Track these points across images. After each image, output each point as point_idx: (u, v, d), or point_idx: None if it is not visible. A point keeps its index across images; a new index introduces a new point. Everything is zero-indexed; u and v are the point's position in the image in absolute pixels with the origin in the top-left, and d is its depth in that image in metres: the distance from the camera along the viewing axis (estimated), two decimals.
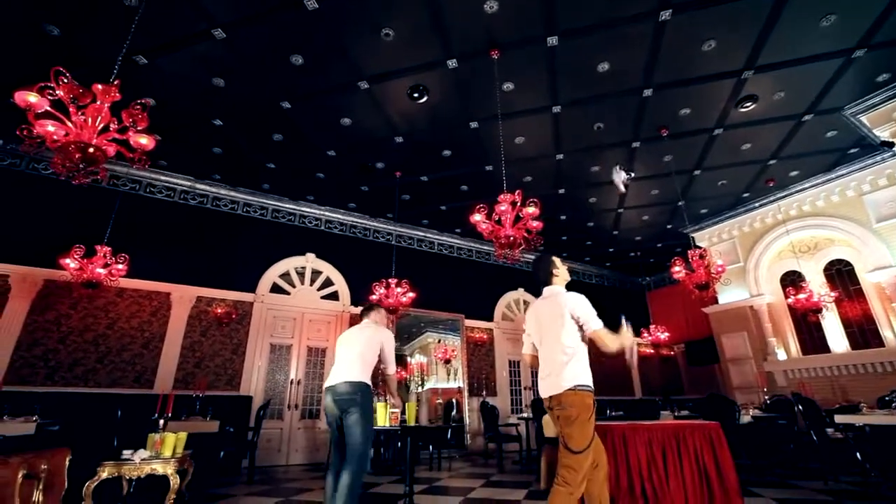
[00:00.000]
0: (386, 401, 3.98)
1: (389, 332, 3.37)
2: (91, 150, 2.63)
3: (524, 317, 2.84)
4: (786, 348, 8.15)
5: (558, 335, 2.48)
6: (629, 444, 3.60)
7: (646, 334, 10.57)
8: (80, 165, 2.63)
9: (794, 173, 7.44)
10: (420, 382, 10.27)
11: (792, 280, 8.09)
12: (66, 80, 2.66)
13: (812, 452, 4.87)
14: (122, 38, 3.96)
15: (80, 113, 2.76)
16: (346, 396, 2.86)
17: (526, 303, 10.14)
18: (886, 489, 4.09)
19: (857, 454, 4.17)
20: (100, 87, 2.78)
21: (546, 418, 4.63)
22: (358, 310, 3.65)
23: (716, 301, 9.13)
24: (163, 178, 6.95)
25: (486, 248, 9.88)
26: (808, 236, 8.05)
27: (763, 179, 7.60)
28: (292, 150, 6.46)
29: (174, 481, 3.35)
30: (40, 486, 2.71)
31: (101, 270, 5.19)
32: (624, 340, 2.48)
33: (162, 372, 6.11)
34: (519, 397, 9.27)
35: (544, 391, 2.49)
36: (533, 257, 9.61)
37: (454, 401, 8.69)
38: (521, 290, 10.19)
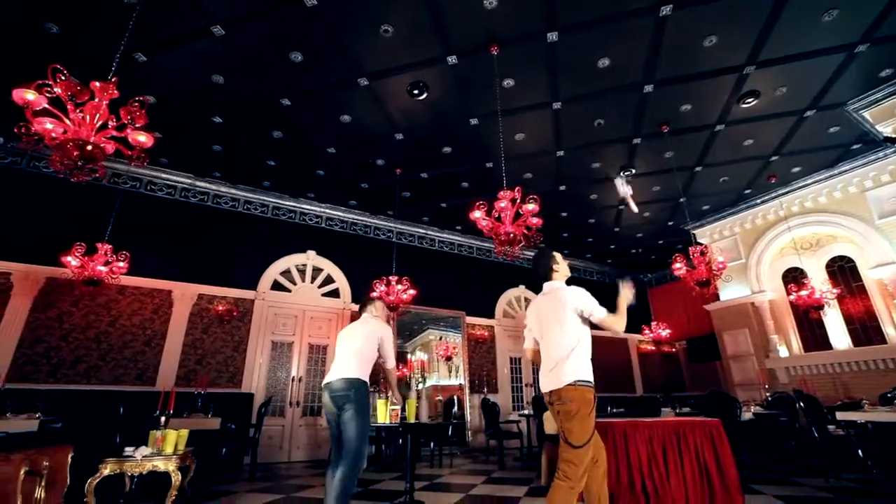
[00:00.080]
0: (387, 397, 3.98)
1: (388, 327, 3.34)
2: (89, 147, 2.63)
3: (525, 314, 2.84)
4: (787, 345, 8.13)
5: (559, 330, 2.49)
6: (630, 440, 3.60)
7: (647, 331, 10.56)
8: (79, 163, 2.63)
9: (796, 169, 7.40)
10: (421, 379, 10.29)
11: (794, 277, 8.07)
12: (63, 78, 2.66)
13: (813, 449, 4.86)
14: (122, 36, 3.95)
15: (78, 110, 2.76)
16: (340, 393, 2.86)
17: (527, 300, 10.13)
18: (888, 486, 4.07)
19: (859, 451, 4.17)
20: (98, 84, 2.78)
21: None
22: (358, 307, 3.66)
23: (717, 298, 9.11)
24: (163, 175, 6.95)
25: (486, 245, 9.87)
26: (810, 233, 8.01)
27: (765, 176, 7.57)
28: (292, 147, 6.45)
29: (175, 478, 3.37)
30: (42, 483, 2.72)
31: (102, 268, 5.20)
32: (624, 305, 2.57)
33: (164, 369, 6.13)
34: (520, 394, 9.28)
35: (545, 386, 2.50)
36: (533, 254, 9.62)
37: (455, 398, 8.71)
38: (522, 287, 10.19)
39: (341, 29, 4.52)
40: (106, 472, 3.27)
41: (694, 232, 9.56)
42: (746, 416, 5.08)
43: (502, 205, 4.36)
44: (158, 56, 4.78)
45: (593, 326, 2.57)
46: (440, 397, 8.87)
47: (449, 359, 9.94)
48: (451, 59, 4.94)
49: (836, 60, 5.02)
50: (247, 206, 7.62)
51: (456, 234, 9.62)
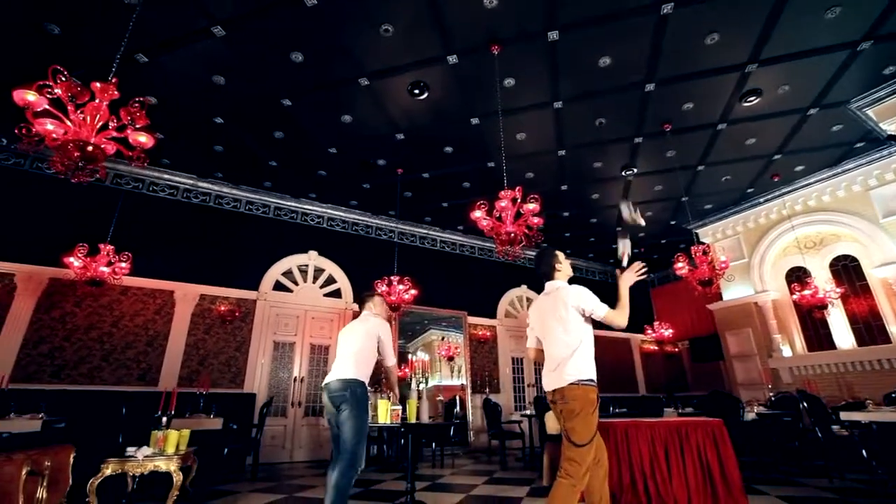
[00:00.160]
0: (388, 397, 3.97)
1: (387, 324, 3.29)
2: (90, 148, 2.64)
3: (527, 314, 2.83)
4: (791, 345, 8.09)
5: (561, 330, 2.49)
6: (631, 440, 3.59)
7: (650, 331, 10.52)
8: (80, 163, 2.64)
9: (799, 168, 7.36)
10: (423, 380, 10.29)
11: (797, 276, 8.02)
12: (64, 79, 2.66)
13: (817, 450, 4.84)
14: (123, 37, 3.96)
15: (78, 111, 2.77)
16: (337, 394, 2.86)
17: (529, 300, 10.12)
18: (893, 487, 4.04)
19: (864, 451, 4.14)
20: (98, 85, 2.79)
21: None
22: (357, 304, 3.69)
23: (720, 297, 9.08)
24: (165, 176, 6.97)
25: (488, 244, 9.86)
26: (813, 232, 7.97)
27: (768, 175, 7.53)
28: (294, 147, 6.46)
29: (177, 478, 3.38)
30: (44, 483, 2.73)
31: (105, 269, 5.23)
32: (625, 290, 2.57)
33: (166, 370, 6.15)
34: (522, 394, 9.26)
35: (548, 385, 2.50)
36: (535, 253, 9.59)
37: (458, 398, 8.70)
38: (524, 286, 10.17)
39: (342, 29, 4.52)
40: (108, 472, 3.29)
41: (696, 231, 9.52)
42: (749, 416, 5.05)
43: (503, 204, 4.35)
44: (160, 57, 4.79)
45: (597, 325, 2.57)
46: (440, 397, 8.86)
47: (451, 359, 9.94)
48: (452, 59, 4.93)
49: (839, 58, 4.99)
50: (249, 206, 7.64)
51: (458, 234, 9.61)
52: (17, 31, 4.44)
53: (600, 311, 2.49)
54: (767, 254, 8.51)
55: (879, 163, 6.87)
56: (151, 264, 6.41)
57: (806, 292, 6.78)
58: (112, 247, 5.39)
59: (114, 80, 2.91)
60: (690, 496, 3.36)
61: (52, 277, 5.79)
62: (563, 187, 7.75)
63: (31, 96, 2.60)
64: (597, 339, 2.56)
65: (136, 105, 2.98)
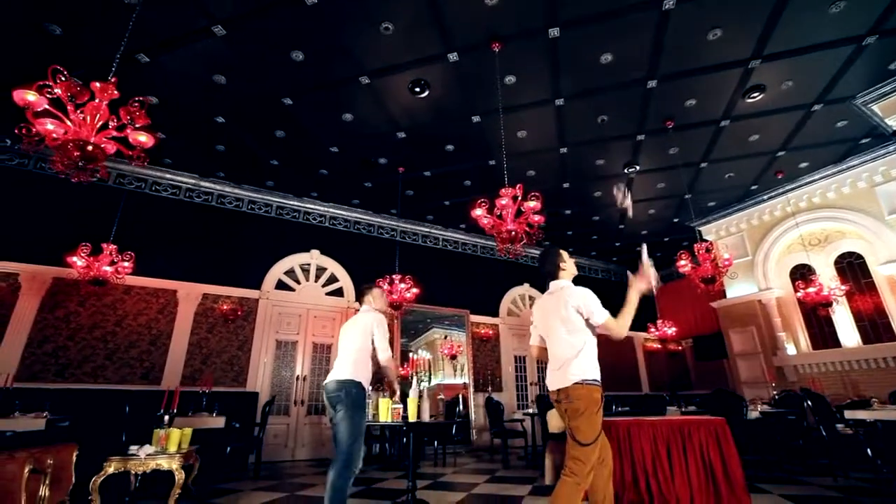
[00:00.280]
0: (389, 396, 3.96)
1: (381, 316, 3.17)
2: (90, 147, 2.65)
3: (530, 312, 2.81)
4: (795, 343, 8.04)
5: (564, 330, 2.48)
6: (633, 439, 3.57)
7: (653, 329, 10.48)
8: (80, 163, 2.64)
9: (803, 165, 7.30)
10: (426, 378, 10.29)
11: (802, 273, 7.96)
12: (63, 78, 2.67)
13: (822, 448, 4.80)
14: (123, 37, 3.97)
15: (78, 111, 2.78)
16: (333, 394, 2.86)
17: (532, 298, 10.10)
18: None
19: (868, 450, 4.11)
20: (98, 84, 2.79)
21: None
22: (356, 297, 3.70)
23: (724, 295, 9.03)
24: (168, 176, 7.00)
25: (490, 243, 9.84)
26: (818, 229, 7.91)
27: (772, 171, 7.47)
28: (295, 146, 6.46)
29: (179, 476, 3.39)
30: (47, 481, 2.75)
31: (108, 268, 5.25)
32: (638, 287, 2.52)
33: (169, 368, 6.17)
34: (524, 393, 9.25)
35: (552, 384, 2.49)
36: (538, 252, 9.55)
37: (460, 396, 8.70)
38: (526, 285, 10.16)
39: (342, 28, 4.51)
40: (110, 470, 3.30)
41: (700, 229, 9.47)
42: (753, 414, 5.02)
43: (503, 202, 4.34)
44: (160, 57, 4.80)
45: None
46: (441, 396, 8.87)
47: (454, 357, 9.94)
48: (453, 57, 4.91)
49: (844, 53, 4.94)
50: (251, 205, 7.66)
51: (460, 233, 9.60)
52: (17, 31, 4.46)
53: (600, 317, 2.44)
54: (771, 251, 8.45)
55: (885, 159, 6.81)
56: (154, 264, 6.44)
57: (810, 290, 6.73)
58: (115, 246, 5.41)
59: (113, 80, 2.92)
60: (693, 495, 3.34)
61: (56, 277, 5.82)
62: (565, 185, 7.72)
63: (30, 96, 2.61)
64: (600, 337, 2.54)
65: (136, 104, 2.99)
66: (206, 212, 7.25)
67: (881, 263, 6.89)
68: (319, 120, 5.92)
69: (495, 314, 9.50)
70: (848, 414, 4.14)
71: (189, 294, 6.62)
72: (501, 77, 5.14)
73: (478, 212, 4.47)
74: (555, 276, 2.70)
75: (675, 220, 9.25)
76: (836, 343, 7.53)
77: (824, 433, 4.53)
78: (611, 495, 2.48)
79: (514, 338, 9.48)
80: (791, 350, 7.95)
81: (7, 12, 4.24)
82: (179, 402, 4.63)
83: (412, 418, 3.69)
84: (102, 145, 2.76)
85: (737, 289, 8.86)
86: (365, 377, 2.99)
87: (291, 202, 7.94)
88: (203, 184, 7.24)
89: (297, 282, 7.65)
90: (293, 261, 7.70)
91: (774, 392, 6.51)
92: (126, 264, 5.44)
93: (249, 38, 4.60)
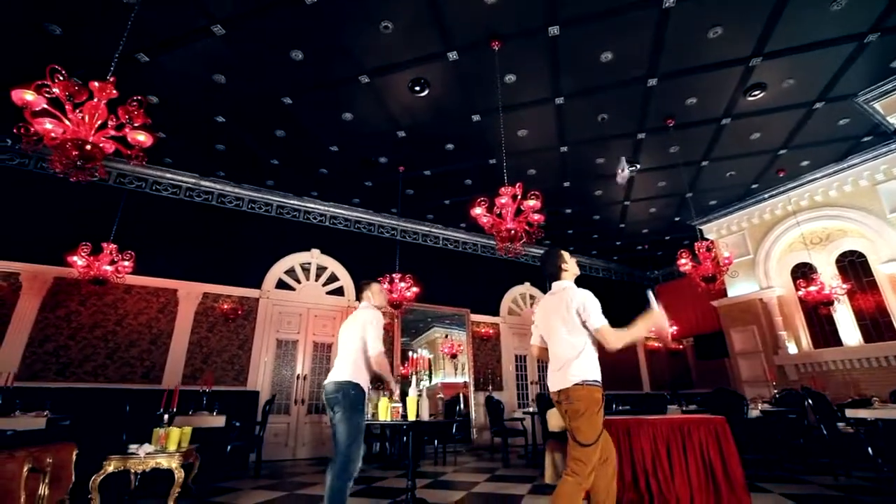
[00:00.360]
0: (389, 395, 3.96)
1: (376, 311, 3.09)
2: (88, 146, 2.65)
3: (531, 311, 2.80)
4: (796, 341, 8.02)
5: (565, 331, 2.47)
6: (633, 438, 3.56)
7: (654, 328, 10.45)
8: (78, 162, 2.64)
9: (804, 163, 7.27)
10: (426, 377, 10.29)
11: (803, 272, 7.94)
12: (62, 78, 2.67)
13: (822, 447, 4.79)
14: (123, 37, 3.97)
15: (76, 110, 2.77)
16: (331, 396, 2.86)
17: (532, 297, 10.09)
18: None
19: (869, 449, 4.09)
20: (96, 84, 2.79)
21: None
22: (355, 294, 3.69)
23: (725, 294, 9.01)
24: (168, 175, 7.00)
25: (491, 242, 9.83)
26: (819, 227, 7.88)
27: (773, 170, 7.45)
28: (295, 145, 6.46)
29: (178, 475, 3.40)
30: (46, 480, 2.75)
31: (108, 268, 5.25)
32: (648, 324, 2.49)
33: (170, 367, 6.18)
34: (525, 392, 9.25)
35: (553, 385, 2.48)
36: (539, 251, 9.54)
37: (461, 395, 8.69)
38: (527, 284, 10.15)
39: (341, 27, 4.50)
40: (110, 468, 3.31)
41: (700, 227, 9.45)
42: (754, 413, 5.01)
43: (503, 201, 4.33)
44: (160, 56, 4.80)
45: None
46: (441, 395, 8.88)
47: (454, 356, 9.93)
48: (452, 55, 4.90)
49: (846, 51, 4.91)
50: (251, 205, 7.66)
51: (460, 232, 9.59)
52: (17, 31, 4.46)
53: (597, 322, 2.40)
54: (773, 250, 8.43)
55: (887, 157, 6.78)
56: (155, 263, 6.45)
57: (812, 288, 6.72)
58: (115, 246, 5.42)
59: (111, 79, 2.92)
60: (693, 494, 3.33)
61: (57, 276, 5.83)
62: (566, 184, 7.71)
63: (29, 96, 2.61)
64: None
65: (135, 104, 2.99)
66: (207, 211, 7.25)
67: (883, 262, 6.86)
68: (319, 119, 5.91)
69: (496, 313, 9.49)
70: (849, 413, 4.13)
71: (189, 293, 6.63)
72: (501, 76, 5.13)
73: (477, 210, 4.46)
74: (557, 277, 2.69)
75: (676, 218, 9.23)
76: (837, 342, 7.51)
77: (825, 432, 4.51)
78: (613, 494, 2.46)
79: (514, 337, 9.47)
80: (792, 349, 7.93)
81: (7, 12, 4.24)
82: (180, 401, 4.65)
83: (412, 417, 3.69)
84: (101, 144, 2.76)
85: (738, 287, 8.84)
86: (364, 378, 2.96)
87: (292, 201, 7.94)
88: (203, 183, 7.24)
89: (298, 281, 7.65)
90: (293, 260, 7.71)
91: (775, 391, 6.50)
92: (126, 264, 5.45)
93: (249, 37, 4.60)
